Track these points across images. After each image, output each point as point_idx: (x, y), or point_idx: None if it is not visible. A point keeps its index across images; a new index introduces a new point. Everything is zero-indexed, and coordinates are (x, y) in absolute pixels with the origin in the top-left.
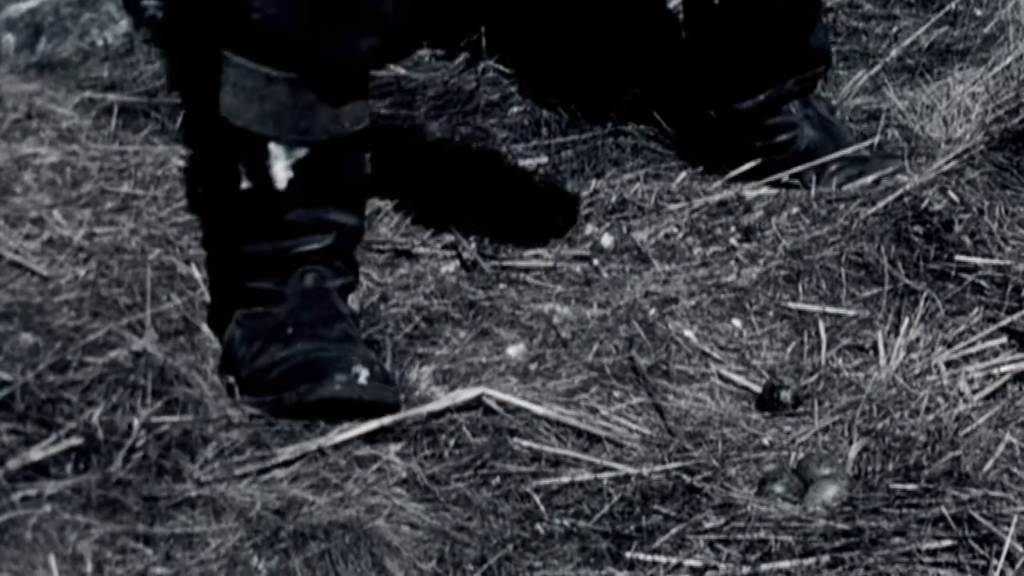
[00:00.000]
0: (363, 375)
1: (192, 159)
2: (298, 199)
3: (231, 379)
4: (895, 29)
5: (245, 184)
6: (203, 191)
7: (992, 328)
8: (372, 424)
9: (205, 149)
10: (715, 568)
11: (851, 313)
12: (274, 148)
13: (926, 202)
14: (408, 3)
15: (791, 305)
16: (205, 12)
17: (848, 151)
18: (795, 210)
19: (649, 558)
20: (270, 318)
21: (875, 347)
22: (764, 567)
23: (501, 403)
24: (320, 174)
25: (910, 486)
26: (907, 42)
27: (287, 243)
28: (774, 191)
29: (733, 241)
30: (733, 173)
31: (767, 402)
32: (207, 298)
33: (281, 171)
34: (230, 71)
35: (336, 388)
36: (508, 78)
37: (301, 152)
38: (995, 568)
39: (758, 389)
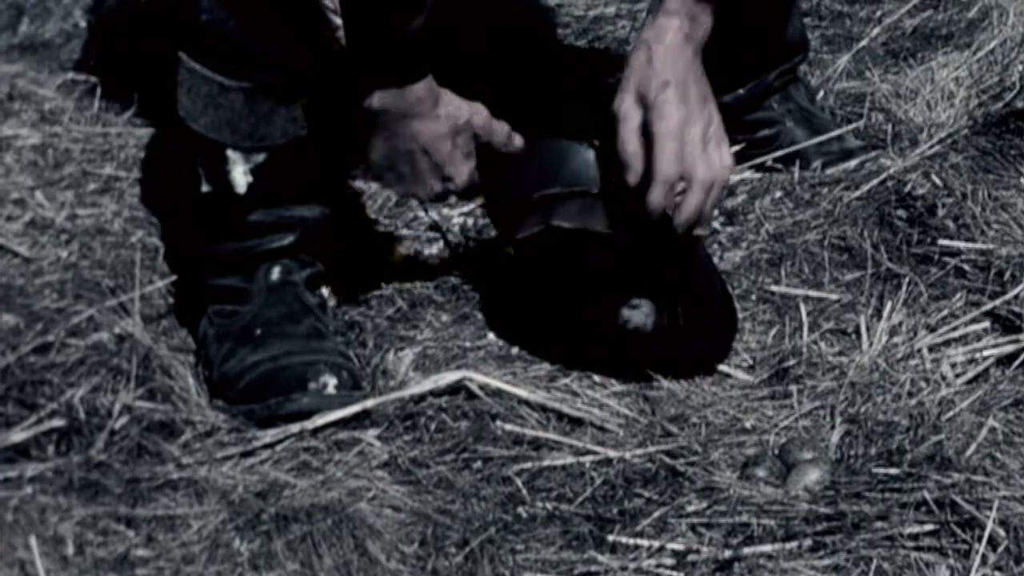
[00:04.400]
0: (331, 384)
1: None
2: (259, 202)
3: (205, 373)
4: (879, 13)
5: (205, 187)
6: (165, 184)
7: (975, 312)
8: (354, 408)
9: (168, 140)
10: (697, 551)
11: (834, 297)
12: (232, 154)
13: (909, 186)
14: None
15: (773, 288)
16: (162, 11)
17: (830, 135)
18: (778, 194)
19: (631, 541)
20: (238, 317)
21: (857, 331)
22: (746, 550)
23: (482, 387)
24: (281, 176)
25: (892, 470)
26: (890, 23)
27: (250, 243)
28: (757, 175)
29: (716, 224)
30: None
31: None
32: (188, 282)
33: (240, 176)
34: (185, 73)
35: (305, 401)
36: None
37: (260, 157)
38: (977, 552)
39: (741, 373)
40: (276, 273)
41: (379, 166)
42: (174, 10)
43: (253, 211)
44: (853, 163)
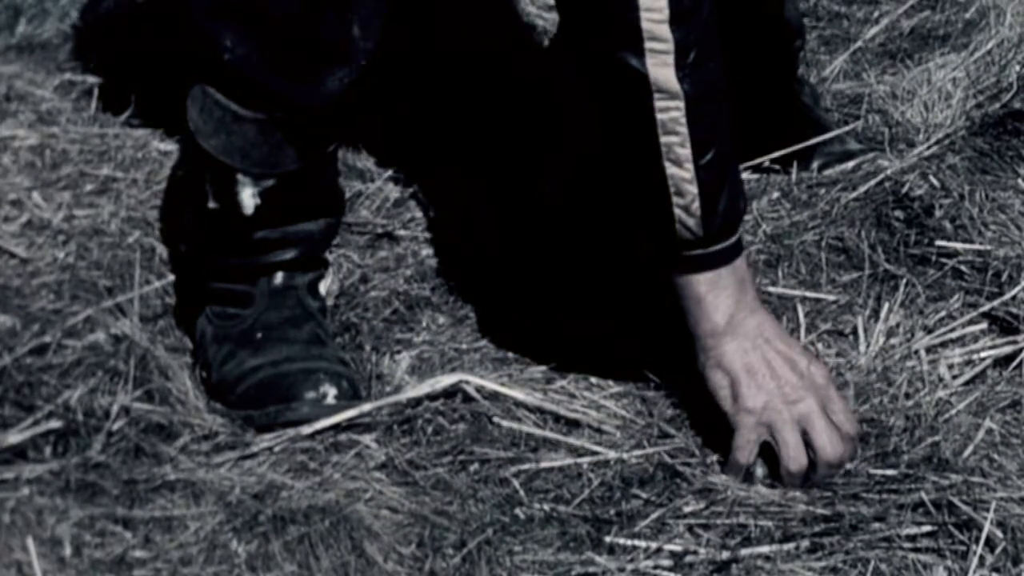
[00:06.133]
0: (331, 394)
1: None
2: (266, 221)
3: (203, 373)
4: (876, 14)
5: (212, 204)
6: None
7: (972, 313)
8: (350, 413)
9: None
10: (695, 553)
11: (831, 298)
12: (241, 178)
13: (907, 187)
14: (377, 32)
15: (771, 289)
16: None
17: (829, 135)
18: (776, 195)
19: (629, 542)
20: (239, 320)
21: (855, 332)
22: (744, 552)
23: (479, 389)
24: (289, 197)
25: (889, 471)
26: (887, 24)
27: (255, 257)
28: (755, 176)
29: None
30: None
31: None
32: (185, 283)
33: (248, 198)
34: (198, 93)
35: (304, 411)
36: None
37: (269, 182)
38: (974, 553)
39: None
40: (279, 278)
41: (768, 410)
42: (194, 43)
43: (259, 230)
44: (851, 164)
